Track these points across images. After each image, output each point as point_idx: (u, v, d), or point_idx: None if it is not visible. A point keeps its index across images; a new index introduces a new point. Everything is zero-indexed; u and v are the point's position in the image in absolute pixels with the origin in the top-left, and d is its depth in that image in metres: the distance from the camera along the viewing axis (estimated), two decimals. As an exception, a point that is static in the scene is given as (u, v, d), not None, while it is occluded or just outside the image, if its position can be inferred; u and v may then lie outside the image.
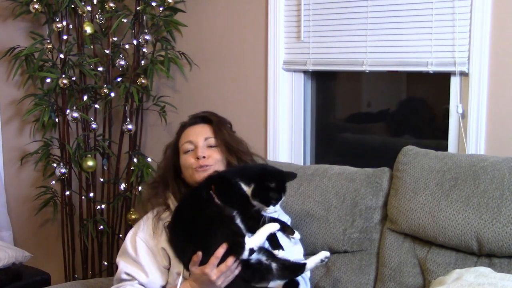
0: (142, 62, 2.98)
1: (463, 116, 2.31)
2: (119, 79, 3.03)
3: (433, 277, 1.91)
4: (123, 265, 1.90)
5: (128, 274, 1.88)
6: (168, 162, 2.00)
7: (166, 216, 1.91)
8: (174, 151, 2.00)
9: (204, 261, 1.72)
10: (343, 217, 2.14)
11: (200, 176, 1.88)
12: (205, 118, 2.00)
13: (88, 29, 2.95)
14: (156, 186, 1.99)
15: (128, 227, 3.03)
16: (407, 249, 2.03)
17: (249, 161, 1.99)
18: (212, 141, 1.94)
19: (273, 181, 1.75)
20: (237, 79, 2.88)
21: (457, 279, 1.68)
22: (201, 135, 1.94)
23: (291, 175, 1.84)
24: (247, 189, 1.76)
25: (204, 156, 1.89)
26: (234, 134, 2.04)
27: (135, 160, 3.04)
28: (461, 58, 2.27)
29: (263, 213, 1.75)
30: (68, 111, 2.95)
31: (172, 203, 1.94)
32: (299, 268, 1.79)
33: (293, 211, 2.19)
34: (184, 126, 2.01)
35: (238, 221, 1.73)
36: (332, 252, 2.14)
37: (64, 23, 2.94)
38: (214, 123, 1.97)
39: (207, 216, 1.75)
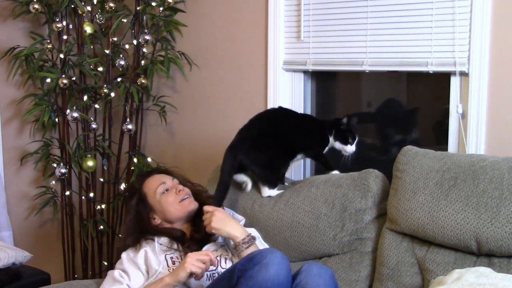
0: (142, 62, 2.98)
1: (463, 116, 2.30)
2: (119, 79, 3.03)
3: (432, 277, 1.91)
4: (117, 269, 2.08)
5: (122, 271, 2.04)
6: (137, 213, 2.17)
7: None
8: (140, 200, 2.18)
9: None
10: (332, 223, 2.15)
11: (187, 205, 2.13)
12: (157, 169, 2.31)
13: (88, 29, 2.95)
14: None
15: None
16: (405, 248, 2.03)
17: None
18: (175, 181, 2.20)
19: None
20: (237, 79, 2.88)
21: (458, 279, 1.67)
22: (165, 178, 2.20)
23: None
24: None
25: (180, 190, 2.15)
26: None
27: (135, 160, 3.04)
28: (461, 58, 2.27)
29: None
30: (68, 111, 2.95)
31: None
32: None
33: (284, 223, 2.21)
34: (143, 176, 2.25)
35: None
36: (324, 256, 2.18)
37: (64, 23, 2.94)
38: (165, 171, 2.26)
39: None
